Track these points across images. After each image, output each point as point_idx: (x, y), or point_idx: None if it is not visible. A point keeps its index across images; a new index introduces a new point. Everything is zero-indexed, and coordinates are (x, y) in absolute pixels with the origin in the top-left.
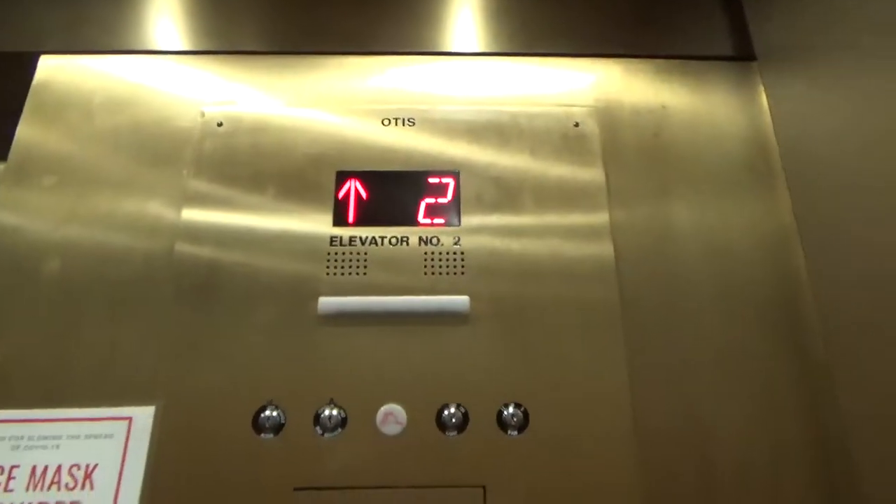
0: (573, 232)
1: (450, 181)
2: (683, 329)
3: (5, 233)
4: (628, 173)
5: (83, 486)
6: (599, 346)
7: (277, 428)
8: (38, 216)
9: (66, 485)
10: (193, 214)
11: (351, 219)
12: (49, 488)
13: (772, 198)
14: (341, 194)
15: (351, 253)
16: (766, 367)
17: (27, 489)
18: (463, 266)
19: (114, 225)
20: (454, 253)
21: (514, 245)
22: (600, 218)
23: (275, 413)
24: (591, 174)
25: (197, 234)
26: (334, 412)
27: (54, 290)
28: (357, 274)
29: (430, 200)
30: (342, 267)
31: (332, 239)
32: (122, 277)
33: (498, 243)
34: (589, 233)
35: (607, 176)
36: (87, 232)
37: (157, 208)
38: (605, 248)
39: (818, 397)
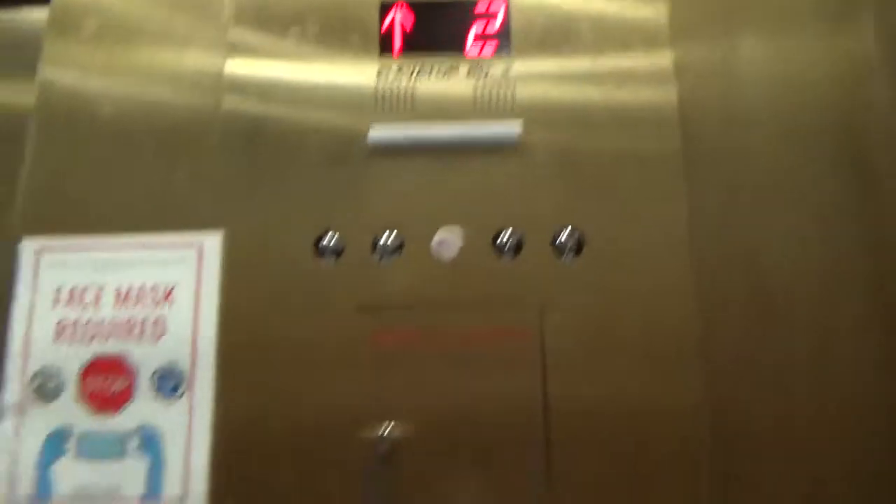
0: (631, 66)
1: (500, 7)
2: (746, 162)
3: (57, 82)
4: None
5: (163, 304)
6: (657, 175)
7: (338, 252)
8: (81, 67)
9: (150, 302)
10: (237, 62)
11: (397, 50)
12: (136, 305)
13: (855, 28)
14: (385, 25)
15: (398, 86)
16: (829, 200)
17: (114, 306)
18: (514, 95)
19: (156, 75)
20: (504, 82)
21: (568, 73)
22: (661, 52)
23: (334, 239)
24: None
25: (243, 81)
26: (391, 238)
27: (111, 132)
28: (405, 107)
29: (479, 29)
30: (390, 99)
31: (379, 71)
32: (171, 126)
33: (550, 73)
34: (648, 70)
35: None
36: (132, 82)
37: (198, 56)
38: (666, 86)
39: (880, 230)
